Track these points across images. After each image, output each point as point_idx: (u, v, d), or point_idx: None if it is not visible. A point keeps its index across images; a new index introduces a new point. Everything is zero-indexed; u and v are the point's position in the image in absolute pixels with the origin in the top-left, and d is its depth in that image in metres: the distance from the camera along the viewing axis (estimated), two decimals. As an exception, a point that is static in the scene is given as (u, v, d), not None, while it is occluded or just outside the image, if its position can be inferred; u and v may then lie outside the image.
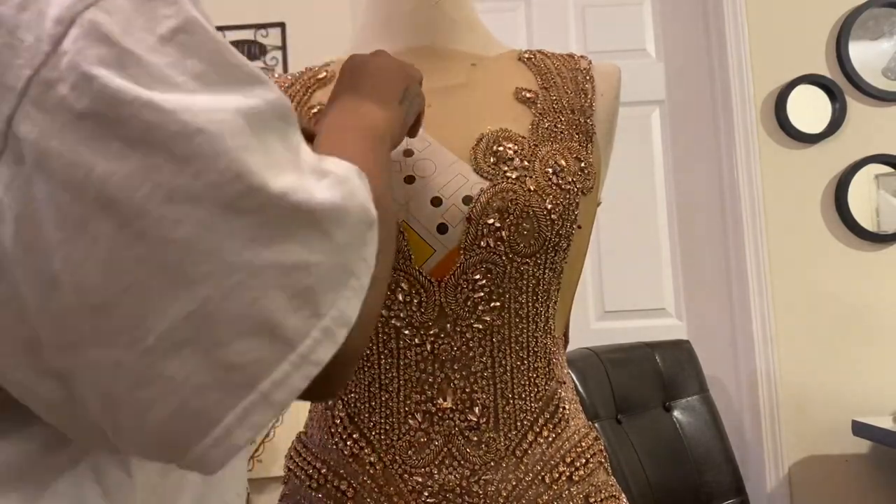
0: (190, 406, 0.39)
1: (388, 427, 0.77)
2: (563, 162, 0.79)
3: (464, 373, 0.77)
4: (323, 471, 0.80)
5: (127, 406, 0.39)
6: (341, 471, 0.79)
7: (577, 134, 0.82)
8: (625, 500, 0.83)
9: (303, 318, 0.40)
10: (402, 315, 0.76)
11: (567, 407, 0.81)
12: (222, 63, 0.41)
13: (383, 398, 0.78)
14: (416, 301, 0.76)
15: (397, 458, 0.77)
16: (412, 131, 0.75)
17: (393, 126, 0.65)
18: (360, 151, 0.54)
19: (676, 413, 2.01)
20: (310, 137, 0.63)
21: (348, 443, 0.79)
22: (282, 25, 2.41)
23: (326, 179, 0.42)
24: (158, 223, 0.37)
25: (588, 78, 0.87)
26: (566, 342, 0.87)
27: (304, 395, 0.43)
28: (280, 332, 0.39)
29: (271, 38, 2.41)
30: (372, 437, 0.78)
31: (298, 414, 0.81)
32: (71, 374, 0.39)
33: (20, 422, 0.42)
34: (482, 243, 0.75)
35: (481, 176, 0.77)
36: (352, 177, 0.44)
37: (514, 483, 0.76)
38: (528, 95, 0.84)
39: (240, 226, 0.38)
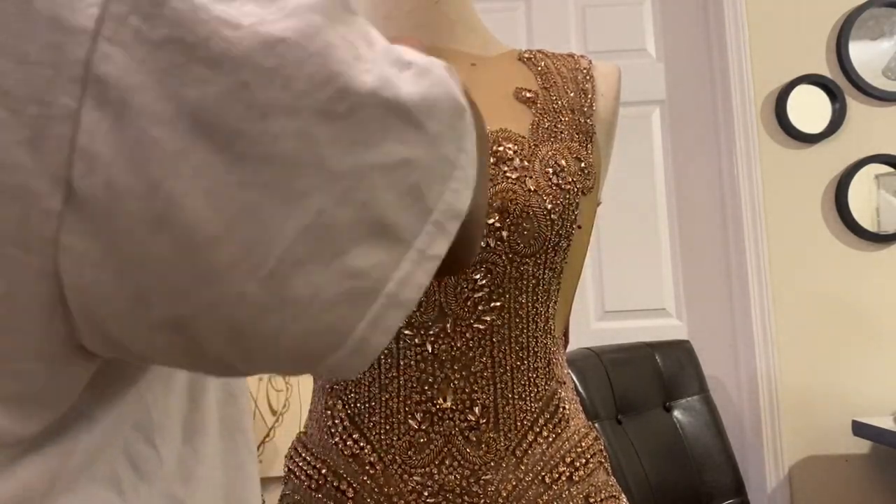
0: (322, 321, 0.38)
1: (388, 427, 0.77)
2: (563, 162, 0.79)
3: (464, 373, 0.77)
4: (323, 471, 0.80)
5: (256, 335, 0.38)
6: (341, 471, 0.79)
7: (577, 134, 0.82)
8: (625, 500, 0.83)
9: (414, 215, 0.40)
10: (402, 315, 0.76)
11: (567, 407, 0.81)
12: None
13: (383, 398, 0.78)
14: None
15: (397, 458, 0.77)
16: None
17: None
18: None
19: (676, 413, 2.01)
20: None
21: (348, 443, 0.79)
22: (282, 25, 2.41)
23: (409, 71, 0.41)
24: (257, 141, 0.36)
25: (588, 78, 0.87)
26: (566, 342, 0.87)
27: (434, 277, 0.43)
28: (395, 232, 0.39)
29: (271, 38, 2.41)
30: (372, 437, 0.78)
31: (298, 414, 0.81)
32: (187, 320, 0.38)
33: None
34: (482, 243, 0.75)
35: (481, 176, 0.77)
36: (435, 66, 0.43)
37: (514, 483, 0.76)
38: (528, 95, 0.84)
39: (337, 130, 0.37)
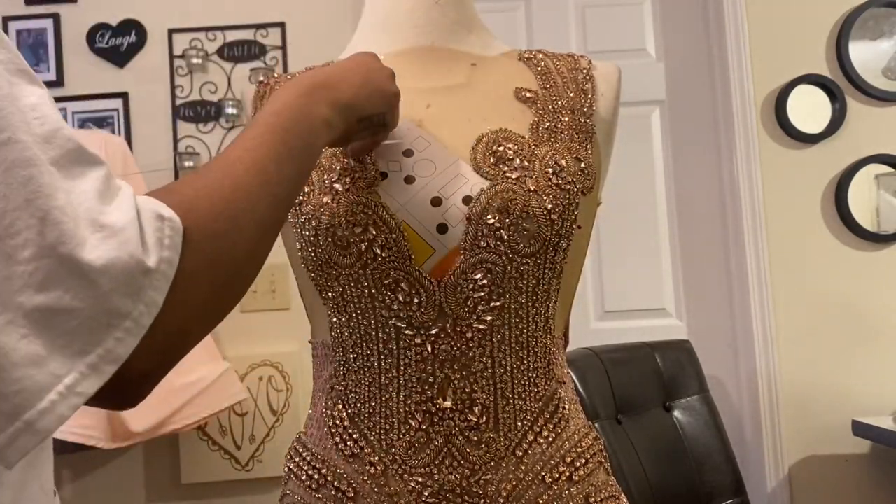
0: None
1: (388, 427, 0.77)
2: (563, 162, 0.79)
3: (464, 373, 0.77)
4: (323, 471, 0.80)
5: None
6: (341, 471, 0.79)
7: (577, 134, 0.82)
8: (625, 500, 0.83)
9: (68, 356, 0.44)
10: (402, 315, 0.76)
11: (567, 407, 0.81)
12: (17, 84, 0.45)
13: (383, 398, 0.78)
14: (416, 301, 0.76)
15: (397, 458, 0.77)
16: (381, 131, 0.77)
17: (331, 123, 0.67)
18: (240, 151, 0.58)
19: (676, 413, 2.01)
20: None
21: (348, 443, 0.79)
22: (282, 25, 2.41)
23: (100, 233, 0.46)
24: None
25: (588, 78, 0.87)
26: (566, 342, 0.87)
27: (104, 404, 0.49)
28: (46, 367, 0.43)
29: (271, 38, 2.41)
30: (372, 437, 0.78)
31: (298, 414, 0.81)
32: None
33: None
34: (482, 243, 0.75)
35: (481, 176, 0.77)
36: (130, 226, 0.47)
37: (514, 483, 0.76)
38: (528, 95, 0.84)
39: (16, 272, 0.43)
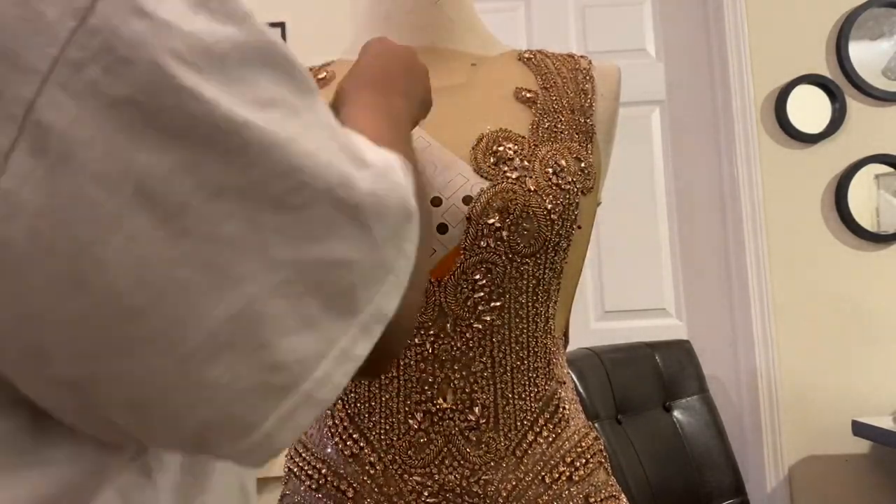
0: (231, 410, 0.37)
1: (388, 427, 0.77)
2: (563, 162, 0.79)
3: (464, 373, 0.77)
4: (323, 471, 0.80)
5: (160, 411, 0.37)
6: (341, 471, 0.79)
7: (577, 134, 0.82)
8: (625, 500, 0.83)
9: (343, 315, 0.39)
10: (402, 315, 0.76)
11: (567, 407, 0.81)
12: (255, 35, 0.38)
13: (383, 398, 0.78)
14: (416, 301, 0.76)
15: (397, 458, 0.77)
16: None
17: (411, 116, 0.65)
18: (393, 140, 0.53)
19: (676, 413, 2.01)
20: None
21: (348, 443, 0.79)
22: (282, 25, 2.41)
23: (367, 171, 0.41)
24: (203, 220, 0.35)
25: (588, 78, 0.87)
26: (566, 342, 0.87)
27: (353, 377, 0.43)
28: (322, 330, 0.38)
29: (271, 38, 2.41)
30: (372, 437, 0.78)
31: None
32: (88, 383, 0.36)
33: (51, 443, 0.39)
34: (482, 243, 0.75)
35: (481, 176, 0.77)
36: (393, 168, 0.43)
37: (513, 483, 0.76)
38: (528, 95, 0.84)
39: (287, 222, 0.37)
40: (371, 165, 0.41)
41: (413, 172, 0.47)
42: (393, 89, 0.63)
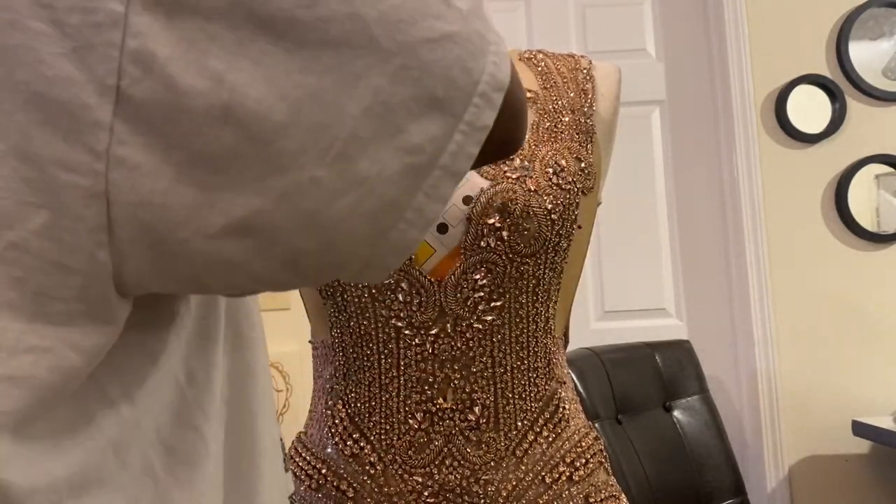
0: (387, 196, 0.39)
1: (388, 427, 0.77)
2: (563, 162, 0.79)
3: (464, 373, 0.77)
4: (323, 471, 0.80)
5: (330, 219, 0.39)
6: (341, 471, 0.79)
7: (577, 134, 0.82)
8: (625, 500, 0.83)
9: (461, 88, 0.40)
10: (402, 315, 0.76)
11: (567, 407, 0.81)
12: None
13: (383, 398, 0.78)
14: (416, 301, 0.76)
15: (397, 458, 0.77)
16: None
17: None
18: None
19: (676, 413, 2.01)
20: None
21: (348, 443, 0.79)
22: (282, 25, 2.41)
23: None
24: (312, 28, 0.37)
25: (588, 78, 0.87)
26: (566, 342, 0.87)
27: (490, 156, 0.44)
28: (446, 106, 0.40)
29: (271, 38, 2.41)
30: (372, 437, 0.78)
31: (298, 414, 0.81)
32: (258, 216, 0.38)
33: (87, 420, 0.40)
34: (482, 243, 0.75)
35: (481, 176, 0.77)
36: None
37: (514, 483, 0.76)
38: (528, 95, 0.84)
39: (383, 10, 0.38)
40: None
41: None
42: None
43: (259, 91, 0.36)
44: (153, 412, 0.43)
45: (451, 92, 0.40)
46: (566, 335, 0.87)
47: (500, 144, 0.44)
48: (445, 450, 0.76)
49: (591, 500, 0.79)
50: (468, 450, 0.76)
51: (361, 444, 0.78)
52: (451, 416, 0.76)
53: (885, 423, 2.04)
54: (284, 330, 2.29)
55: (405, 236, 0.41)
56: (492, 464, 0.76)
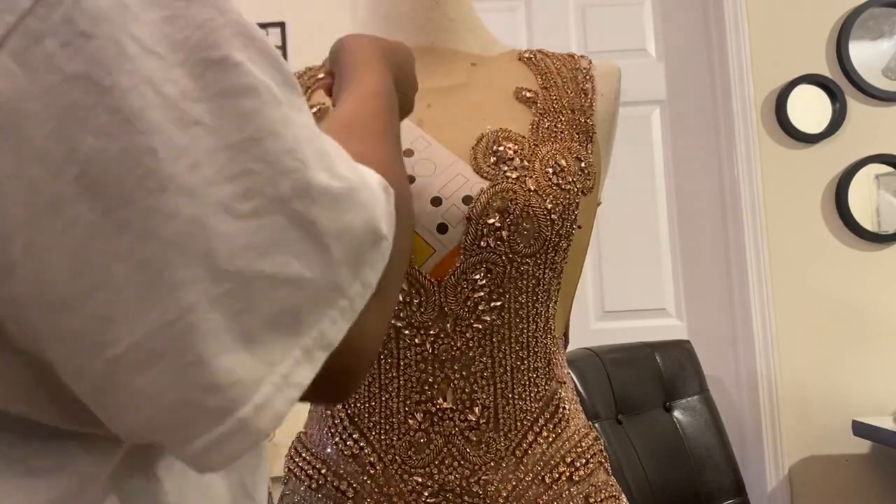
0: (162, 421, 0.35)
1: (388, 427, 0.77)
2: (563, 162, 0.79)
3: (464, 373, 0.77)
4: (323, 471, 0.80)
5: (102, 405, 0.36)
6: (341, 471, 0.79)
7: (577, 134, 0.82)
8: (625, 500, 0.83)
9: (284, 337, 0.36)
10: (402, 315, 0.76)
11: (567, 407, 0.81)
12: (235, 18, 0.36)
13: (383, 398, 0.78)
14: (415, 301, 0.76)
15: (397, 458, 0.77)
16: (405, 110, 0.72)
17: (389, 86, 0.62)
18: (372, 141, 0.50)
19: (676, 413, 2.01)
20: None
21: (348, 443, 0.79)
22: (282, 25, 2.41)
23: (337, 184, 0.38)
24: (147, 215, 0.32)
25: (588, 78, 0.87)
26: (566, 342, 0.87)
27: (317, 396, 0.40)
28: (262, 351, 0.35)
29: (271, 38, 2.41)
30: (372, 437, 0.78)
31: (298, 414, 0.81)
32: (47, 363, 0.35)
33: (55, 458, 0.38)
34: (482, 243, 0.75)
35: (481, 176, 0.77)
36: (367, 187, 0.40)
37: (514, 483, 0.76)
38: (528, 95, 0.84)
39: (236, 229, 0.34)
40: (344, 179, 0.38)
41: (399, 194, 0.44)
42: (361, 70, 0.61)
43: (57, 259, 0.32)
44: (110, 459, 0.41)
45: (272, 338, 0.35)
46: (566, 335, 0.87)
47: (319, 396, 0.40)
48: (445, 450, 0.76)
49: (591, 500, 0.79)
50: (468, 450, 0.76)
51: (361, 444, 0.78)
52: (450, 416, 0.76)
53: (885, 423, 2.04)
54: (284, 330, 2.29)
55: (200, 460, 0.36)
56: (492, 464, 0.76)
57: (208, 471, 0.37)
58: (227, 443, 0.35)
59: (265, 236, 0.35)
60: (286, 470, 0.85)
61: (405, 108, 0.69)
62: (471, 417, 0.76)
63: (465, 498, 0.76)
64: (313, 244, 0.36)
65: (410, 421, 0.77)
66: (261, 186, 0.35)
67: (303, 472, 0.82)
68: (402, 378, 0.77)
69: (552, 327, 0.81)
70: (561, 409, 0.80)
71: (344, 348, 0.39)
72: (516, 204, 0.75)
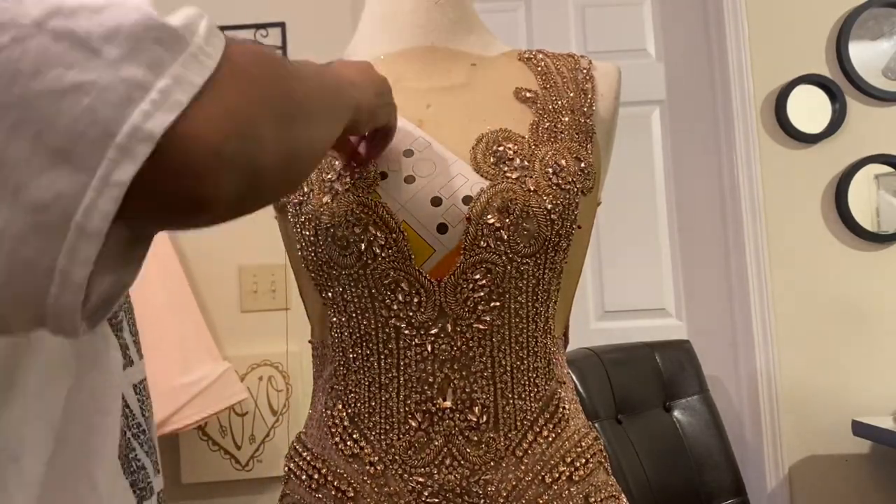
0: (19, 258, 0.38)
1: (388, 427, 0.77)
2: (563, 162, 0.79)
3: (464, 373, 0.77)
4: (323, 471, 0.80)
5: None
6: (341, 471, 0.79)
7: (577, 134, 0.82)
8: (624, 500, 0.83)
9: (93, 141, 0.37)
10: (402, 315, 0.76)
11: (567, 407, 0.81)
12: None
13: (383, 398, 0.78)
14: (416, 301, 0.76)
15: (397, 458, 0.77)
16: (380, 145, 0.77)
17: (361, 104, 0.65)
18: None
19: (676, 413, 2.01)
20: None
21: (348, 443, 0.79)
22: (282, 25, 2.41)
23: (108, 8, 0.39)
24: None
25: (588, 78, 0.87)
26: (566, 342, 0.87)
27: (172, 218, 0.41)
28: (75, 161, 0.37)
29: (271, 38, 2.41)
30: (372, 437, 0.78)
31: (298, 414, 0.81)
32: None
33: None
34: (482, 243, 0.75)
35: (481, 176, 0.77)
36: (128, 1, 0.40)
37: (513, 483, 0.76)
38: (528, 95, 0.84)
39: (4, 59, 0.36)
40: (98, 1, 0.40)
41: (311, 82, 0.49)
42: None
43: None
44: None
45: (80, 146, 0.37)
46: (566, 335, 0.87)
47: (175, 202, 0.40)
48: (445, 450, 0.76)
49: (591, 499, 0.79)
50: (468, 450, 0.76)
51: (361, 444, 0.78)
52: (450, 416, 0.77)
53: (885, 423, 2.04)
54: (284, 330, 2.29)
55: (59, 302, 0.38)
56: (491, 464, 0.76)
57: (79, 301, 0.38)
58: (77, 251, 0.37)
59: (31, 58, 0.37)
60: (286, 470, 0.85)
61: (390, 137, 0.75)
62: (471, 417, 0.76)
63: (465, 498, 0.76)
64: (81, 51, 0.38)
65: (410, 421, 0.77)
66: (13, 18, 0.37)
67: (303, 472, 0.82)
68: (402, 378, 0.77)
69: (552, 327, 0.81)
70: (561, 409, 0.80)
71: (186, 147, 0.39)
72: (516, 204, 0.75)
